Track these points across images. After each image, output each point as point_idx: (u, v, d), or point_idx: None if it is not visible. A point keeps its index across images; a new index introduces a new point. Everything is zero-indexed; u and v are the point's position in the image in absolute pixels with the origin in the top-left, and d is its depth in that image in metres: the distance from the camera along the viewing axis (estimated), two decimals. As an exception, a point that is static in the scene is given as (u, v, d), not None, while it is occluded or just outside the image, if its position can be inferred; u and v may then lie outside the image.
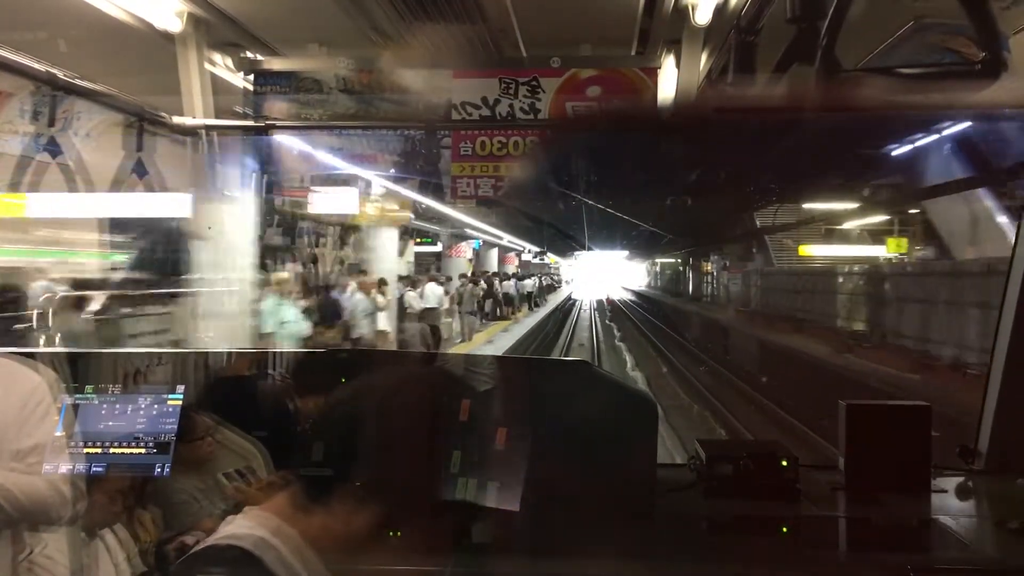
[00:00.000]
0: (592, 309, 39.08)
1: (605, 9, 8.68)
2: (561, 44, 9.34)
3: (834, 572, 1.51)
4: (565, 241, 27.00)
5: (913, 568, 1.35)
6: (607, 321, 33.66)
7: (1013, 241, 2.00)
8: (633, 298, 48.55)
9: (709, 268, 30.49)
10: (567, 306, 39.44)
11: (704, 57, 9.21)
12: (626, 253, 44.81)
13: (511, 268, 33.53)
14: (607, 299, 45.40)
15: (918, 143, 10.57)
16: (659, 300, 38.13)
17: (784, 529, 1.69)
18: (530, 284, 28.86)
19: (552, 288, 46.33)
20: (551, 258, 42.65)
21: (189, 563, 0.94)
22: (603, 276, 58.12)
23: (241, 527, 0.96)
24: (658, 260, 46.75)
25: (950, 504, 1.77)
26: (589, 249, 30.96)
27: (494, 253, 30.67)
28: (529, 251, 32.99)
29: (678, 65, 9.17)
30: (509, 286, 24.27)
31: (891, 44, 8.19)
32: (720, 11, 8.09)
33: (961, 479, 1.92)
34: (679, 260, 36.95)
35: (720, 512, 1.71)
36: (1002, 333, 1.97)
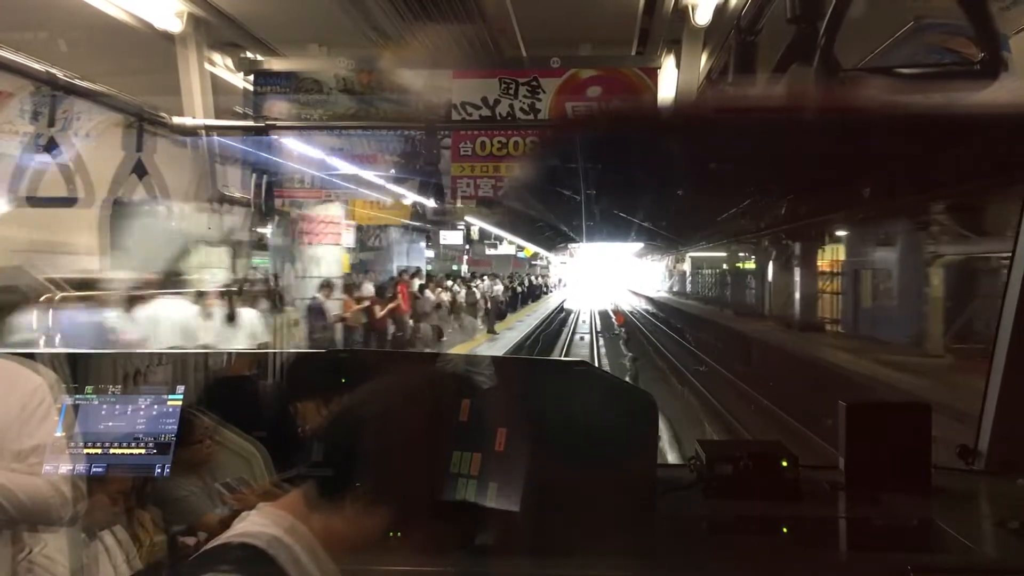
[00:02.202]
0: (594, 331, 23.92)
1: (605, 9, 8.68)
2: (561, 44, 9.34)
3: (834, 572, 1.51)
4: (553, 231, 18.76)
5: (913, 568, 1.34)
6: (627, 379, 11.47)
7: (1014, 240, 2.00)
8: (654, 310, 31.40)
9: (828, 265, 16.14)
10: (548, 332, 22.45)
11: (704, 57, 9.20)
12: (639, 247, 31.24)
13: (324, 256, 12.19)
14: (615, 312, 30.07)
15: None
16: (710, 321, 19.77)
17: (784, 529, 1.69)
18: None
19: (534, 295, 31.78)
20: (527, 249, 30.17)
21: (202, 560, 0.94)
22: (606, 278, 48.43)
23: (255, 524, 0.96)
24: (690, 255, 30.84)
25: (950, 504, 1.77)
26: (582, 241, 21.88)
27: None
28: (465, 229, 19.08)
29: (678, 65, 9.17)
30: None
31: (891, 44, 8.18)
32: (720, 11, 8.09)
33: (961, 479, 1.92)
34: (742, 254, 22.68)
35: (720, 512, 1.71)
36: (1002, 333, 1.97)
